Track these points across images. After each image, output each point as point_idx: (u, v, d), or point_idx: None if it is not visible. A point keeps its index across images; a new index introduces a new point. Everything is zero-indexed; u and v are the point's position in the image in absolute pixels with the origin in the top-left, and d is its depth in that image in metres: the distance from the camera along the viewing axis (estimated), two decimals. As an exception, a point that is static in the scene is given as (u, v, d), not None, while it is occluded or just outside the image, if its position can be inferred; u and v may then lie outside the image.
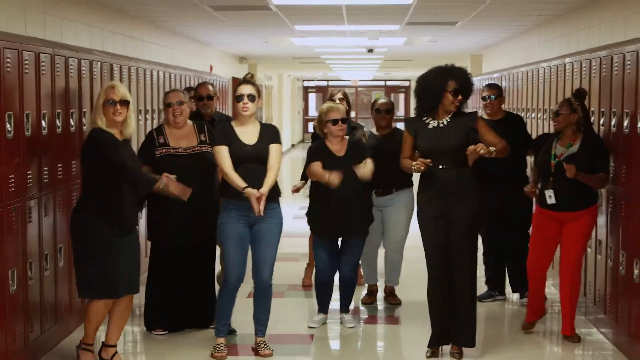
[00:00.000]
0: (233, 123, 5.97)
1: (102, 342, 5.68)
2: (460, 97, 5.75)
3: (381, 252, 7.48)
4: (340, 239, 6.71)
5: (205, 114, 7.17)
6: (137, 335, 6.66)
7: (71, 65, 6.43)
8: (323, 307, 6.82)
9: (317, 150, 6.55)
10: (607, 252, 6.47)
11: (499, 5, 8.23)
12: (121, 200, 5.42)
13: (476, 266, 5.85)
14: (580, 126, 6.25)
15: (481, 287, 7.71)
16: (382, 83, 35.29)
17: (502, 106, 7.47)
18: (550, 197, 6.20)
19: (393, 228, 7.25)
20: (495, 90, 7.38)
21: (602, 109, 6.50)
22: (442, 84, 5.74)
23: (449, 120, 5.80)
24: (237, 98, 5.88)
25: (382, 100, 7.40)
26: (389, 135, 7.18)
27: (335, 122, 6.49)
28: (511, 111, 9.07)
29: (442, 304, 5.84)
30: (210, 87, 7.31)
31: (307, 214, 6.69)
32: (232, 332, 6.40)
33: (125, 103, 5.47)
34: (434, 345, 5.95)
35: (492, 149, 5.64)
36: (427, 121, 5.84)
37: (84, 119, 6.64)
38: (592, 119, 6.67)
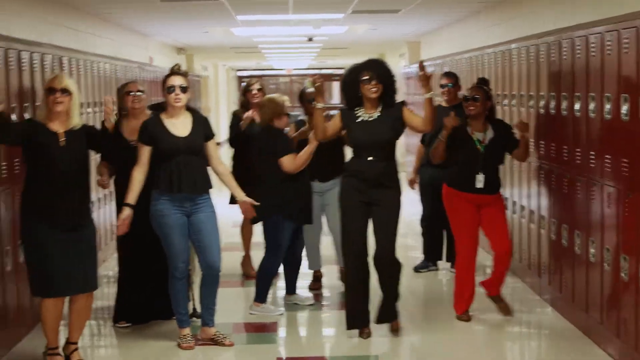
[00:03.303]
0: (162, 115, 5.89)
1: (66, 339, 5.62)
2: (374, 82, 5.92)
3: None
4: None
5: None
6: (102, 328, 6.62)
7: (23, 59, 6.35)
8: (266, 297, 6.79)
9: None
10: (539, 221, 6.99)
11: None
12: (50, 196, 5.29)
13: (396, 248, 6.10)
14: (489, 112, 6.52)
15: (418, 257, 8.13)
16: (317, 72, 35.34)
17: (458, 93, 7.83)
18: (480, 181, 6.39)
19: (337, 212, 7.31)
20: (453, 79, 7.94)
21: (552, 93, 6.69)
22: (356, 74, 5.99)
23: (379, 114, 6.00)
24: (169, 89, 5.83)
25: (311, 90, 7.44)
26: None
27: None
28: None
29: (361, 286, 6.04)
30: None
31: (274, 201, 6.56)
32: (199, 316, 6.35)
33: (66, 92, 5.36)
34: (357, 327, 6.09)
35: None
36: (357, 114, 6.04)
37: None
38: (542, 102, 6.94)
